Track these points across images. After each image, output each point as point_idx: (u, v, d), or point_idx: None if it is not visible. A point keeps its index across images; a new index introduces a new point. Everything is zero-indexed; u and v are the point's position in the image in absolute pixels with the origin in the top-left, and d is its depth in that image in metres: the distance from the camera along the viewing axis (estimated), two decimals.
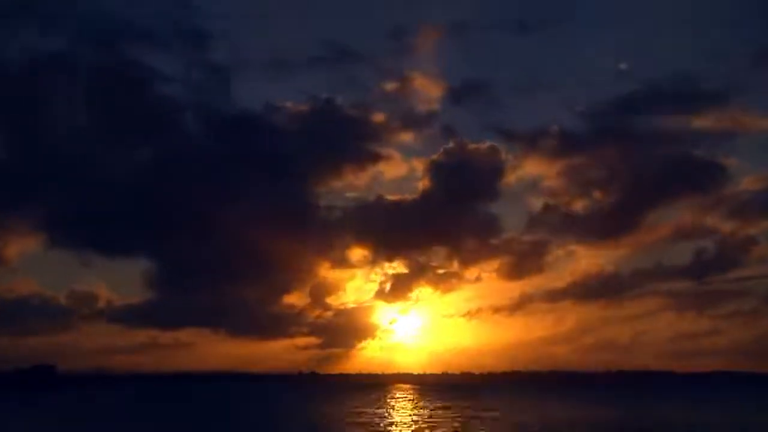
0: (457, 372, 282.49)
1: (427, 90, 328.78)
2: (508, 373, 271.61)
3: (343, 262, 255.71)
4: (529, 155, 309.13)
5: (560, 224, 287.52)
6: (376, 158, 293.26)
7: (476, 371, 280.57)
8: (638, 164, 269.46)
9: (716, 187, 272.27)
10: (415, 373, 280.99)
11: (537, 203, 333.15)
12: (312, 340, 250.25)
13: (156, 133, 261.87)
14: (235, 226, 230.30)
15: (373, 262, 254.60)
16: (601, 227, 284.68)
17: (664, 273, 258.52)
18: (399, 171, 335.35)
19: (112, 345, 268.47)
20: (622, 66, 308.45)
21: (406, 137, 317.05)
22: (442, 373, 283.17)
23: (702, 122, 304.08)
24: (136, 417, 74.39)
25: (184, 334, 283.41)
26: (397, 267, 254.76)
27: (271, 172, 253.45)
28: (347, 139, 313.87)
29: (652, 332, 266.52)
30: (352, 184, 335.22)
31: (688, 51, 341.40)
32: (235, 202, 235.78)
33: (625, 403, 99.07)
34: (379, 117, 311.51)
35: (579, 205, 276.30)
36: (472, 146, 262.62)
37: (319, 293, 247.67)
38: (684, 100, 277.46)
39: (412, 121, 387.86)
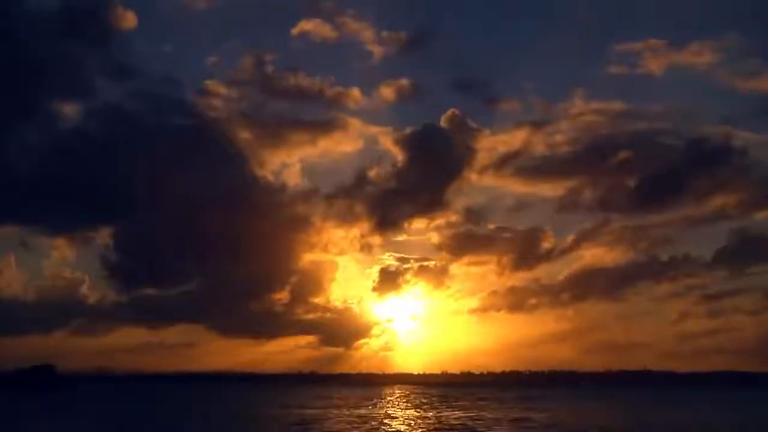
0: (456, 372, 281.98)
1: (373, 41, 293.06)
2: (508, 373, 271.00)
3: (320, 248, 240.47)
4: (508, 126, 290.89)
5: (553, 211, 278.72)
6: (328, 127, 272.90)
7: (476, 371, 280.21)
8: (640, 144, 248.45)
9: (725, 171, 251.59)
10: (415, 372, 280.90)
11: (526, 188, 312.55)
12: (310, 339, 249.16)
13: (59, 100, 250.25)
14: (181, 207, 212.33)
15: (356, 250, 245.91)
16: (599, 217, 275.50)
17: (666, 269, 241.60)
18: (357, 143, 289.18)
19: (110, 344, 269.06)
20: None
21: (357, 99, 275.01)
22: (442, 373, 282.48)
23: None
24: (135, 417, 74.28)
25: (181, 333, 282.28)
26: (387, 260, 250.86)
27: (210, 149, 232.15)
28: (291, 107, 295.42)
29: (654, 330, 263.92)
30: (309, 160, 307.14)
31: None
32: (173, 180, 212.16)
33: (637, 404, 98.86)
34: (320, 78, 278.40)
35: (574, 190, 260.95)
36: (444, 121, 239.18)
37: (308, 289, 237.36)
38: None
39: (363, 81, 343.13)
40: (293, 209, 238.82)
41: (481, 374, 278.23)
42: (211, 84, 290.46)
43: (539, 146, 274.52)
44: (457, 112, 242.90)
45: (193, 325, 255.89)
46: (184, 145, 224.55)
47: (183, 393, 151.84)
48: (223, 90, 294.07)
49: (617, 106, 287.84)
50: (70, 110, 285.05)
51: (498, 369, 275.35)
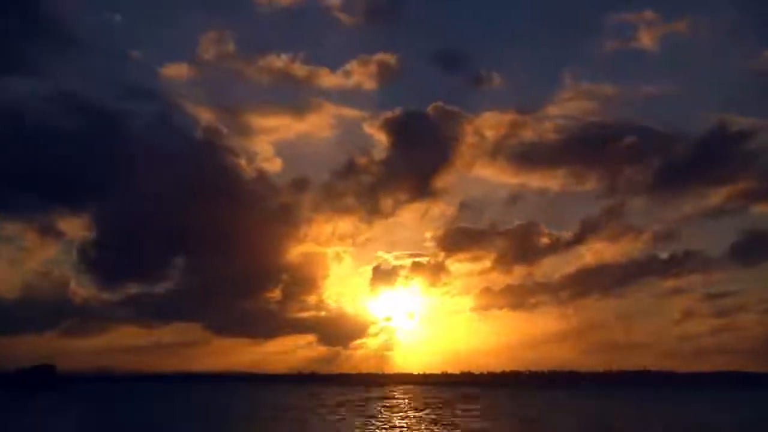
0: (456, 372, 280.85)
1: (340, 8, 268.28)
2: (507, 373, 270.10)
3: (309, 241, 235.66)
4: (495, 110, 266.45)
5: (547, 207, 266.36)
6: (302, 110, 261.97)
7: (476, 371, 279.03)
8: (638, 131, 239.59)
9: (727, 160, 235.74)
10: (415, 373, 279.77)
11: (519, 178, 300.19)
12: (308, 339, 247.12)
13: None
14: (152, 197, 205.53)
15: (347, 244, 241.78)
16: (593, 212, 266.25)
17: (668, 266, 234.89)
18: (334, 128, 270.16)
19: (110, 345, 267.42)
20: None
21: (330, 79, 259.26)
22: (442, 373, 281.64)
23: None
24: (134, 417, 74.16)
25: (177, 332, 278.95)
26: (381, 256, 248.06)
27: (177, 136, 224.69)
28: (259, 89, 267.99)
29: (656, 329, 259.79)
30: (283, 146, 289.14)
31: None
32: (140, 167, 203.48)
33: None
34: (290, 56, 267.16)
35: (569, 181, 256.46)
36: (431, 108, 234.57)
37: (302, 287, 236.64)
38: None
39: (335, 57, 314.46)
40: (275, 200, 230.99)
41: (481, 374, 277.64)
42: (171, 66, 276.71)
43: (529, 132, 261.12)
44: (442, 102, 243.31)
45: (187, 323, 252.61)
46: (148, 131, 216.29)
47: (182, 393, 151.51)
48: (183, 71, 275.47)
49: (611, 87, 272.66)
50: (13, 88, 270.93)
51: (498, 369, 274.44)
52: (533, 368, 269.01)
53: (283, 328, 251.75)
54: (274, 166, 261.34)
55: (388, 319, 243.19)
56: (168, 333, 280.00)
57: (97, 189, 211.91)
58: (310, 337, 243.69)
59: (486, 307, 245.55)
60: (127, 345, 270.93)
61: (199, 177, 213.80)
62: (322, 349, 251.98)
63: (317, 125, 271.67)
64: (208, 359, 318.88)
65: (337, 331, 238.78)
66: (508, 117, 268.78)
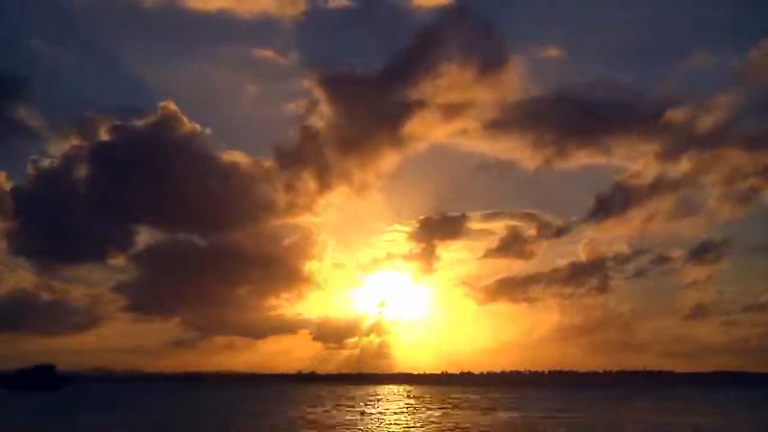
0: (456, 372, 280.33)
1: None
2: (507, 373, 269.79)
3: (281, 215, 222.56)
4: (453, 66, 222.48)
5: (525, 190, 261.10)
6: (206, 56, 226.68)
7: (476, 371, 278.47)
8: (626, 88, 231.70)
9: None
10: (415, 373, 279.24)
11: (493, 153, 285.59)
12: (305, 337, 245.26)
13: None
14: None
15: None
16: (585, 199, 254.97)
17: (671, 259, 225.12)
18: (251, 83, 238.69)
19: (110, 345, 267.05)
20: None
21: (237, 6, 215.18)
22: (442, 373, 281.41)
23: None
24: (135, 418, 73.86)
25: (166, 328, 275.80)
26: (368, 250, 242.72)
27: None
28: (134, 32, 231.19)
29: (658, 328, 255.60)
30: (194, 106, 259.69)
31: None
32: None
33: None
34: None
35: (553, 165, 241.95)
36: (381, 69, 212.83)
37: (292, 283, 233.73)
38: None
39: None
40: (205, 172, 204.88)
41: (481, 374, 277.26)
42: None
43: (510, 91, 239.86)
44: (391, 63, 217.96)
45: (170, 319, 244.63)
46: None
47: (182, 393, 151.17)
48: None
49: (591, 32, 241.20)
50: None
51: (498, 368, 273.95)
52: (533, 368, 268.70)
53: (278, 327, 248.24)
54: (188, 128, 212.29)
55: (381, 315, 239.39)
56: (155, 330, 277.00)
57: None
58: (307, 336, 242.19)
59: (482, 302, 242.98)
60: (121, 345, 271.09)
61: (117, 146, 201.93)
62: (320, 349, 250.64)
63: (232, 76, 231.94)
64: (210, 359, 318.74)
65: (333, 330, 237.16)
66: (471, 70, 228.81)
